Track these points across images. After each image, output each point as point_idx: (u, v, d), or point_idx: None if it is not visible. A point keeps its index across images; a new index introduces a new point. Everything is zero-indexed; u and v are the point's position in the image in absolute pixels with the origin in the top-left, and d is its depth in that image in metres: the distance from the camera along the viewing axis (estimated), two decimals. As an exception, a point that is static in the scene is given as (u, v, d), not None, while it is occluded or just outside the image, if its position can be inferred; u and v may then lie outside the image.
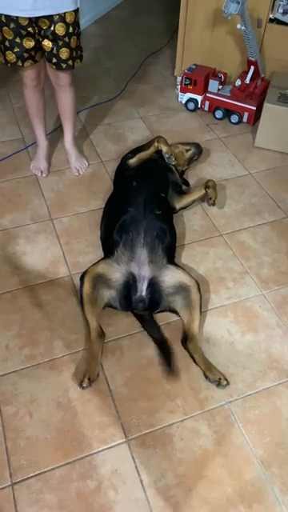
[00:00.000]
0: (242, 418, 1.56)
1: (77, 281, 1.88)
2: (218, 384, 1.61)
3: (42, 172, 2.44)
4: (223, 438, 1.51)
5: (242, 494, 1.39)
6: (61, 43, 1.96)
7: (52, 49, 1.98)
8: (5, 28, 1.90)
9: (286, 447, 1.50)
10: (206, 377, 1.64)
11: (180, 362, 1.69)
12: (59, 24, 1.91)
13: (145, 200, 1.93)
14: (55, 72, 2.12)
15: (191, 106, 2.93)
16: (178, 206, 2.20)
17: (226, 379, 1.62)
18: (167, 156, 2.22)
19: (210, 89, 2.84)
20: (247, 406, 1.59)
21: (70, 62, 2.04)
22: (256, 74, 2.73)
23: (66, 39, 1.96)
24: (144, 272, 1.80)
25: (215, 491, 1.40)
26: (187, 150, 2.44)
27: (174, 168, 2.30)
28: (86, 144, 2.68)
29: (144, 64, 3.39)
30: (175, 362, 1.67)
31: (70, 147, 2.46)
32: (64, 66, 2.04)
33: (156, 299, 1.80)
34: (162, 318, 1.83)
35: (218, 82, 2.79)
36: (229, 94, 2.79)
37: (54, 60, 2.02)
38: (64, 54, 2.00)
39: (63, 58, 2.01)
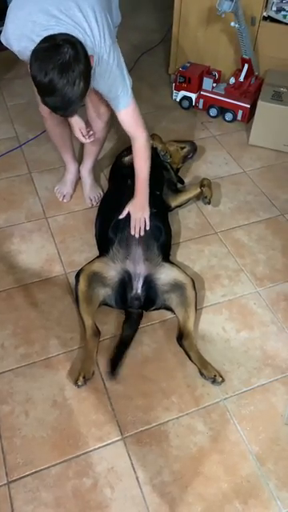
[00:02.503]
0: (238, 414, 1.57)
1: (72, 279, 1.88)
2: (214, 381, 1.62)
3: (64, 197, 2.29)
4: (219, 434, 1.52)
5: (238, 490, 1.40)
6: None
7: None
8: None
9: (280, 443, 1.51)
10: (202, 374, 1.64)
11: (175, 359, 1.70)
12: None
13: (140, 198, 1.93)
14: (95, 105, 1.96)
15: (185, 103, 2.93)
16: (173, 204, 2.20)
17: (221, 376, 1.63)
18: (162, 154, 2.22)
19: (204, 87, 2.83)
20: (242, 402, 1.60)
21: None
22: (250, 72, 2.73)
23: None
24: (139, 270, 1.80)
25: (211, 487, 1.41)
26: (182, 148, 2.44)
27: (168, 166, 2.30)
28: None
29: (138, 62, 3.38)
30: (119, 369, 1.64)
31: (87, 175, 2.26)
32: None
33: (151, 297, 1.80)
34: (158, 316, 1.83)
35: (212, 80, 2.79)
36: (223, 92, 2.79)
37: None
38: None
39: None
